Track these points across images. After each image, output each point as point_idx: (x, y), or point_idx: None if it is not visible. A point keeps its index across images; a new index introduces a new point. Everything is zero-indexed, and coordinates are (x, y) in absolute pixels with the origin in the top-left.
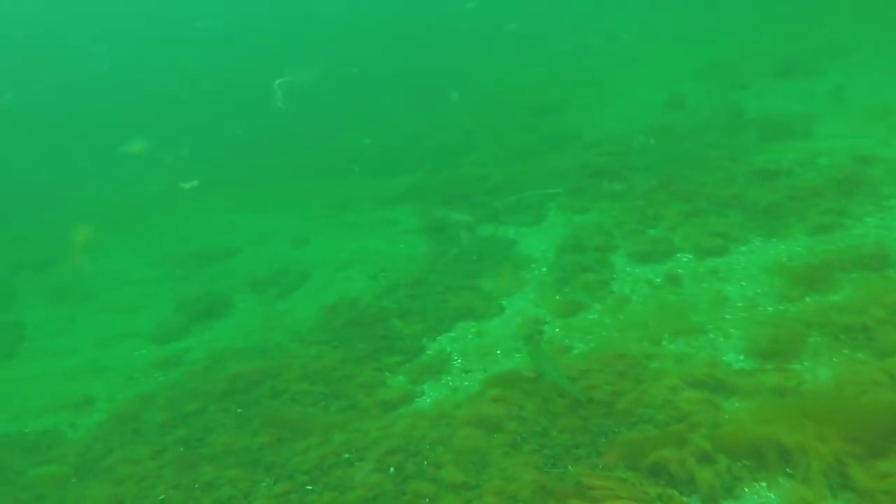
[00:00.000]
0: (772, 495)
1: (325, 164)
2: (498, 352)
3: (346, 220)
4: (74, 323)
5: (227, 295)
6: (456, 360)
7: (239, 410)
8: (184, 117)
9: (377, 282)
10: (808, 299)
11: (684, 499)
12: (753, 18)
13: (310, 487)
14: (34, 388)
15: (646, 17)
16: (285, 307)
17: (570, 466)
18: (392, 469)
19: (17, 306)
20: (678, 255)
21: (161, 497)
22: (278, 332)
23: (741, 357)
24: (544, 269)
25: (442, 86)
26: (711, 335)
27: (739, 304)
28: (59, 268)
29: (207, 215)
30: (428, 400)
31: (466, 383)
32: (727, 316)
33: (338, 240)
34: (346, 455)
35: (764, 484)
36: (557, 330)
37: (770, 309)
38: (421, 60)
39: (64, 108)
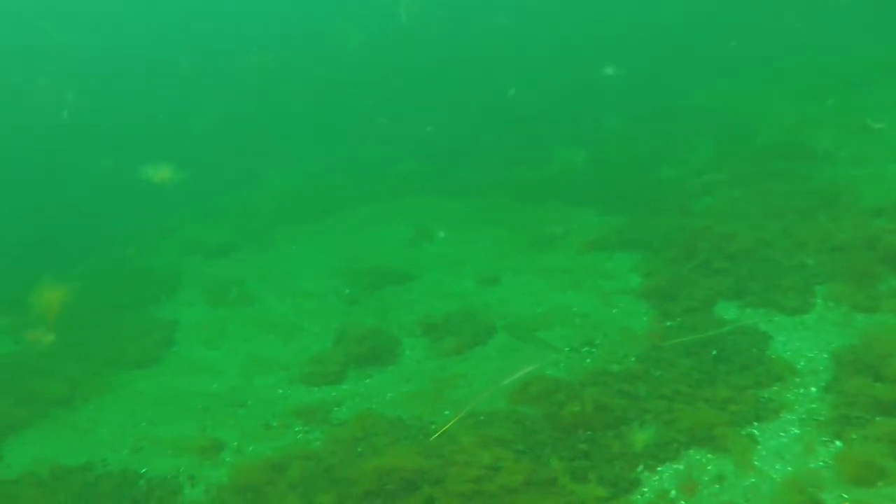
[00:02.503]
0: None
1: (527, 181)
2: None
3: (547, 261)
4: (226, 334)
5: (395, 336)
6: None
7: None
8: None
9: (581, 359)
10: None
11: None
12: None
13: None
14: (166, 411)
15: None
16: (461, 369)
17: None
18: None
19: (178, 300)
20: None
21: None
22: (448, 405)
23: None
24: (814, 391)
25: (671, 98)
26: None
27: None
28: (228, 257)
29: (393, 227)
30: None
31: None
32: None
33: (534, 286)
34: None
35: None
36: None
37: None
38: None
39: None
